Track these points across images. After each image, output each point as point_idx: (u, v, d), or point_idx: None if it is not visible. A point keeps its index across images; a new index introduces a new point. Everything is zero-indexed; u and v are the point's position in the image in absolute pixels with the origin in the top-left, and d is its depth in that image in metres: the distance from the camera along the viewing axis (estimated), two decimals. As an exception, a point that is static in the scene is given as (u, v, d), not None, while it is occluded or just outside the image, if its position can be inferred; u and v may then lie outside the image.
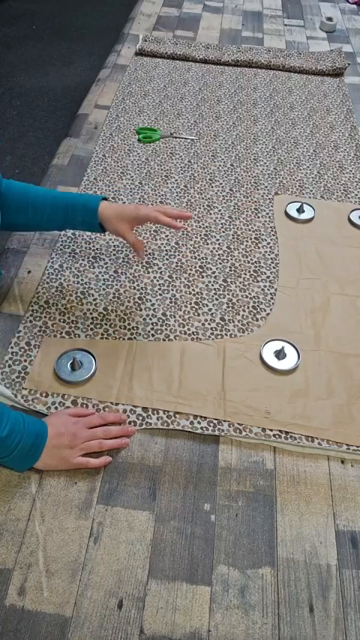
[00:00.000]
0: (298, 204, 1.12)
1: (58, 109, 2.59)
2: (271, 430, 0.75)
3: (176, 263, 0.99)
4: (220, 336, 0.87)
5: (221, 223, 1.08)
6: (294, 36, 1.81)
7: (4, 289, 0.92)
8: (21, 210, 0.85)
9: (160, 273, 0.97)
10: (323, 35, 1.83)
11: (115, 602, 0.60)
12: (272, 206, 1.14)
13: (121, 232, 0.85)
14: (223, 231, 1.07)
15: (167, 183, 1.17)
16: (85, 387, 0.79)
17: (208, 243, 1.04)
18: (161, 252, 1.01)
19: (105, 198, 0.87)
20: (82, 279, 0.94)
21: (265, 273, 0.99)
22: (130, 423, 0.75)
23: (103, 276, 0.95)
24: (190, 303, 0.92)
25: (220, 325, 0.89)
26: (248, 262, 1.00)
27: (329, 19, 1.85)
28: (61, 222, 0.87)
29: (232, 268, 0.99)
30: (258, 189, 1.18)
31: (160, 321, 0.89)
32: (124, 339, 0.86)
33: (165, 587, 0.61)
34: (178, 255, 1.01)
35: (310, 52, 1.69)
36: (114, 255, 1.00)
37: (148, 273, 0.97)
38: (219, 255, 1.01)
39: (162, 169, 1.21)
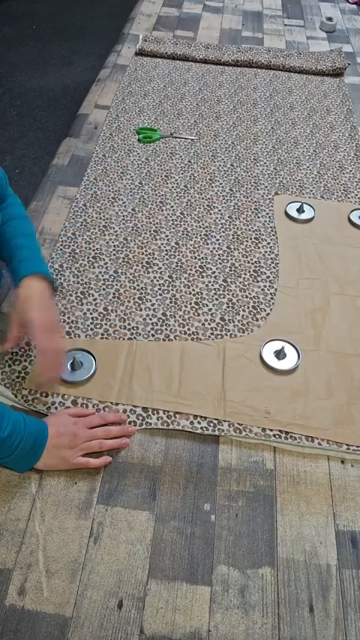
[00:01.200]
0: (298, 204, 1.12)
1: (58, 109, 2.59)
2: (271, 430, 0.75)
3: (176, 263, 0.99)
4: (220, 336, 0.87)
5: (221, 223, 1.08)
6: (294, 36, 1.81)
7: (4, 289, 0.92)
8: None
9: (160, 273, 0.97)
10: (323, 35, 1.83)
11: (115, 602, 0.60)
12: (272, 206, 1.14)
13: (15, 315, 0.75)
14: (223, 231, 1.07)
15: (167, 183, 1.17)
16: (85, 387, 0.79)
17: (208, 243, 1.04)
18: (161, 252, 1.01)
19: (40, 274, 0.76)
20: (82, 279, 0.94)
21: (265, 273, 0.99)
22: (130, 423, 0.75)
23: (103, 276, 0.95)
24: (190, 303, 0.92)
25: (220, 325, 0.89)
26: (248, 262, 1.00)
27: (329, 19, 1.85)
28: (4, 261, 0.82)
29: (232, 268, 0.99)
30: (258, 189, 1.18)
31: (160, 321, 0.89)
32: (124, 339, 0.86)
33: (165, 587, 0.61)
34: (178, 255, 1.01)
35: (310, 52, 1.69)
36: (114, 255, 1.00)
37: (148, 273, 0.97)
38: (219, 255, 1.01)
39: (162, 169, 1.21)
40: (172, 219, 1.08)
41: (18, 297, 0.75)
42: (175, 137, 1.31)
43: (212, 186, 1.17)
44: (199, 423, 0.75)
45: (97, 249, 1.00)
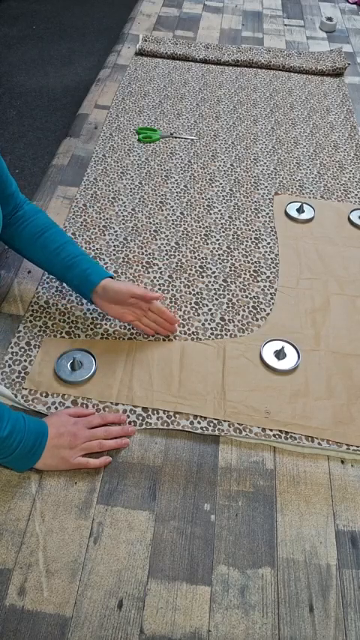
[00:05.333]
0: (298, 204, 1.12)
1: (58, 109, 2.59)
2: (271, 430, 0.75)
3: (176, 263, 0.99)
4: (220, 336, 0.87)
5: (221, 223, 1.08)
6: (294, 36, 1.81)
7: (4, 289, 0.92)
8: (30, 244, 0.86)
9: (160, 273, 0.97)
10: (323, 35, 1.83)
11: (115, 602, 0.60)
12: (272, 206, 1.14)
13: (118, 317, 0.84)
14: (223, 231, 1.07)
15: (167, 183, 1.17)
16: (85, 387, 0.79)
17: (208, 243, 1.04)
18: (161, 252, 1.01)
19: (111, 276, 0.84)
20: (82, 279, 0.94)
21: (265, 273, 0.99)
22: (130, 423, 0.75)
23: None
24: (190, 303, 0.92)
25: (220, 325, 0.89)
26: (248, 262, 1.00)
27: (329, 19, 1.85)
28: (60, 277, 0.86)
29: (232, 268, 0.99)
30: (258, 189, 1.18)
31: (160, 321, 0.89)
32: (124, 339, 0.86)
33: (165, 587, 0.61)
34: (178, 255, 1.01)
35: (310, 52, 1.69)
36: (114, 255, 1.00)
37: (148, 273, 0.97)
38: (219, 255, 1.01)
39: (162, 169, 1.21)
40: (172, 219, 1.08)
41: (115, 290, 0.81)
42: (175, 137, 1.31)
43: (212, 186, 1.17)
44: (199, 423, 0.75)
45: (97, 249, 1.00)
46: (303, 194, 1.17)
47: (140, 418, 0.75)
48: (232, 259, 1.01)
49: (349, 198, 1.17)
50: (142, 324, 0.85)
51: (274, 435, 0.75)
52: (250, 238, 1.06)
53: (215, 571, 0.63)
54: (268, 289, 0.96)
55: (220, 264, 1.00)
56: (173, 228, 1.06)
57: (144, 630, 0.58)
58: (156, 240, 1.03)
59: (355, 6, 2.04)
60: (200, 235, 1.05)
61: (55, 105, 2.62)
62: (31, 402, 0.76)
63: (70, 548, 0.63)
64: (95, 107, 1.39)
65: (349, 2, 2.07)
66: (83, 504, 0.67)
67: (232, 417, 0.76)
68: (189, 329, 0.88)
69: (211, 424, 0.75)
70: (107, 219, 1.07)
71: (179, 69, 1.58)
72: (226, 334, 0.87)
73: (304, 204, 1.12)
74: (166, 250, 1.01)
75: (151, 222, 1.07)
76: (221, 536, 0.65)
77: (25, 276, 0.94)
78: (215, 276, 0.97)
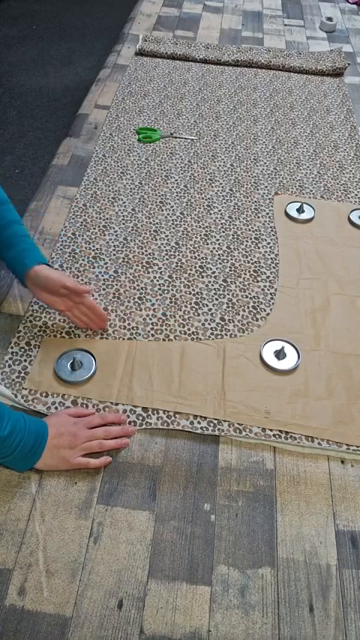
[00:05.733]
0: (298, 204, 1.12)
1: (58, 109, 2.59)
2: (271, 430, 0.75)
3: (176, 263, 0.99)
4: (220, 336, 0.87)
5: (221, 223, 1.08)
6: (294, 36, 1.81)
7: (4, 289, 0.92)
8: None
9: (160, 273, 0.97)
10: (323, 35, 1.83)
11: (115, 602, 0.60)
12: (272, 206, 1.14)
13: (48, 304, 0.83)
14: (223, 231, 1.07)
15: (167, 183, 1.17)
16: (85, 387, 0.79)
17: (208, 243, 1.04)
18: (161, 252, 1.01)
19: (47, 264, 0.83)
20: (82, 279, 0.94)
21: (265, 273, 0.99)
22: (130, 423, 0.75)
23: (103, 276, 0.95)
24: (190, 303, 0.92)
25: (220, 325, 0.89)
26: (248, 262, 1.00)
27: (329, 19, 1.85)
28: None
29: (232, 268, 0.99)
30: (258, 189, 1.18)
31: (160, 321, 0.89)
32: (124, 339, 0.86)
33: (165, 587, 0.61)
34: (178, 255, 1.01)
35: (310, 52, 1.69)
36: (114, 255, 1.00)
37: (148, 273, 0.97)
38: (219, 255, 1.01)
39: (162, 169, 1.21)
40: (172, 219, 1.08)
41: (46, 277, 0.80)
42: (175, 137, 1.31)
43: (212, 186, 1.17)
44: (199, 423, 0.75)
45: (97, 249, 1.00)
46: (303, 194, 1.17)
47: (140, 418, 0.75)
48: (232, 259, 1.01)
49: (349, 198, 1.17)
50: (74, 315, 0.85)
51: (274, 435, 0.75)
52: (250, 238, 1.06)
53: (215, 571, 0.63)
54: (268, 289, 0.96)
55: (220, 264, 1.00)
56: (173, 228, 1.06)
57: (144, 630, 0.58)
58: (156, 240, 1.03)
59: (355, 6, 2.04)
60: (200, 235, 1.05)
61: (55, 105, 2.62)
62: (31, 402, 0.76)
63: (70, 548, 0.63)
64: (95, 107, 1.39)
65: (349, 2, 2.07)
66: (83, 504, 0.67)
67: (232, 417, 0.76)
68: (189, 329, 0.88)
69: (211, 424, 0.75)
70: (107, 219, 1.07)
71: (179, 69, 1.58)
72: (226, 334, 0.87)
73: (304, 204, 1.12)
74: (166, 250, 1.01)
75: (151, 222, 1.07)
76: (221, 536, 0.65)
77: (25, 276, 0.94)
78: (215, 276, 0.97)
